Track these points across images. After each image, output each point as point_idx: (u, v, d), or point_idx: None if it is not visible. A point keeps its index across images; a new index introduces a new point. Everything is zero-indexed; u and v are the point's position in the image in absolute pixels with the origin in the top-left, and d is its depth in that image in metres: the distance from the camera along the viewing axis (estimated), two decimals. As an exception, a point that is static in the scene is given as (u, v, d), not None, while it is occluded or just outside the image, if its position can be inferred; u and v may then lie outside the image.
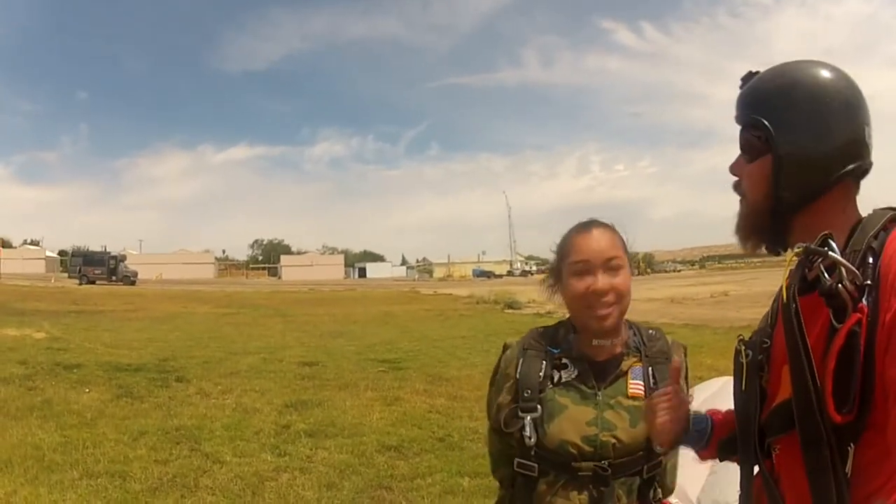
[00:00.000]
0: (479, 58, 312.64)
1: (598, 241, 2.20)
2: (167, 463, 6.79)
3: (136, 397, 9.89)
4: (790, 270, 1.51)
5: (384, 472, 6.66)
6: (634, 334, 2.32)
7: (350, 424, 8.55)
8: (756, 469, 1.67)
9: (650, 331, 2.37)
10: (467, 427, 8.12)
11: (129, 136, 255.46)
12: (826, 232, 1.47)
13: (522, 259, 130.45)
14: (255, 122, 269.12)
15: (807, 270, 1.50)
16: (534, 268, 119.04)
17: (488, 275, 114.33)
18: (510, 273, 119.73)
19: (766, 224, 1.68)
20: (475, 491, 6.00)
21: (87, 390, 10.18)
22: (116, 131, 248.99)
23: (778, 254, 1.72)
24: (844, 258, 1.42)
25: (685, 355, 2.38)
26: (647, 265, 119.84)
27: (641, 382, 2.22)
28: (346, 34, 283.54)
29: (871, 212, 1.58)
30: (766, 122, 1.63)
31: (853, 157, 1.57)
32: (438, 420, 8.75)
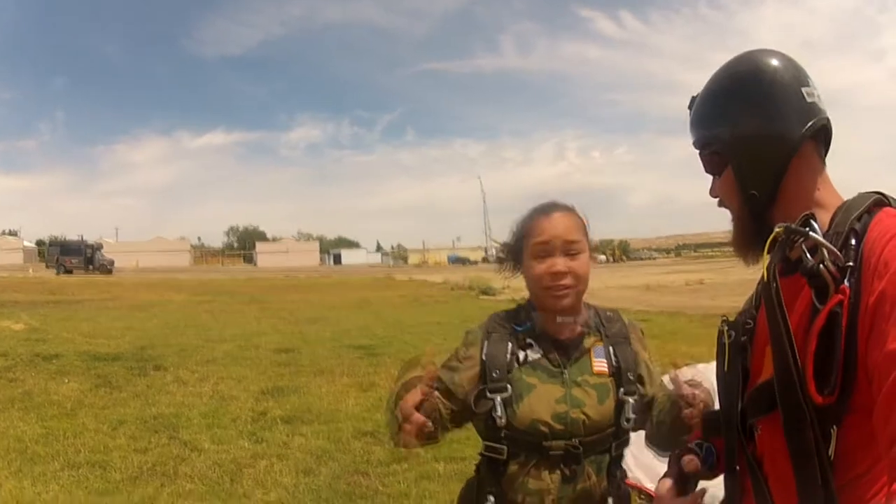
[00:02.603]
0: (456, 43, 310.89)
1: (558, 225, 2.25)
2: (146, 452, 6.81)
3: (115, 387, 9.87)
4: (771, 251, 1.52)
5: (360, 458, 6.72)
6: (594, 315, 2.36)
7: (326, 411, 8.60)
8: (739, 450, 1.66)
9: (608, 312, 2.42)
10: None
11: (106, 123, 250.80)
12: (807, 212, 1.49)
13: (497, 245, 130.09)
14: (233, 107, 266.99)
15: (788, 251, 1.50)
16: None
17: (463, 261, 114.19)
18: (485, 259, 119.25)
19: (751, 227, 1.66)
20: (451, 475, 6.03)
21: (67, 381, 10.13)
22: (94, 118, 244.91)
23: None
24: (827, 239, 1.43)
25: (643, 334, 2.45)
26: (622, 252, 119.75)
27: (605, 360, 2.27)
28: (322, 18, 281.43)
29: (855, 195, 1.56)
30: (714, 136, 1.68)
31: (800, 122, 1.57)
32: (414, 405, 8.73)
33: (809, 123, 1.57)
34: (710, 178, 1.76)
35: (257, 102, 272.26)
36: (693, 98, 1.78)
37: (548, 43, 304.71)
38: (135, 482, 6.03)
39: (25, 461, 6.44)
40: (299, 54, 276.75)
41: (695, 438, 1.95)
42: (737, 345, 1.68)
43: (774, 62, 1.62)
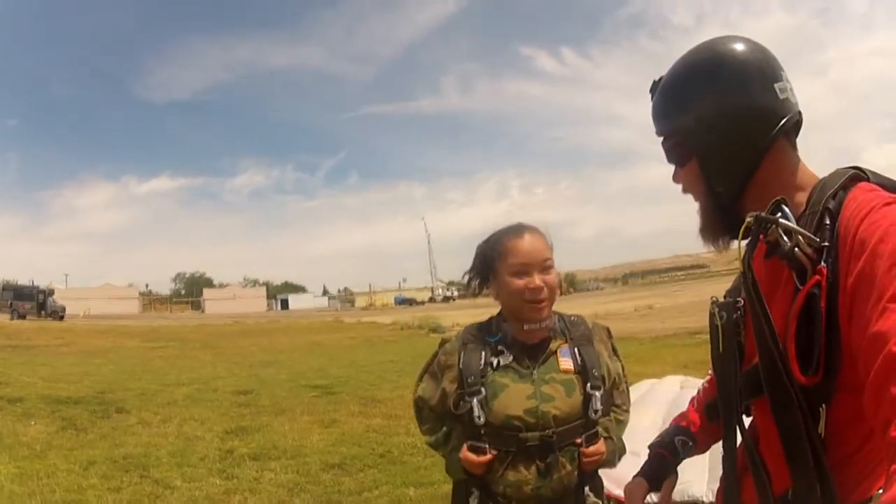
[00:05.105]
0: (400, 86, 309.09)
1: (533, 245, 2.50)
2: (120, 490, 6.76)
3: (81, 429, 9.75)
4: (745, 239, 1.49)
5: (332, 489, 6.76)
6: (559, 320, 2.61)
7: (292, 447, 8.59)
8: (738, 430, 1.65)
9: (572, 317, 2.67)
10: (405, 442, 8.24)
11: (55, 166, 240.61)
12: (778, 197, 1.44)
13: (444, 285, 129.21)
14: (178, 152, 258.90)
15: (763, 236, 1.45)
16: (455, 293, 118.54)
17: (410, 302, 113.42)
18: (432, 299, 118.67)
19: (718, 218, 1.62)
20: (422, 499, 6.16)
21: (33, 423, 9.98)
22: (43, 160, 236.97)
23: None
24: (802, 220, 1.41)
25: (610, 335, 2.71)
26: (569, 285, 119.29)
27: (570, 359, 2.50)
28: (268, 63, 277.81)
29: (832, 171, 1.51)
30: (678, 126, 1.61)
31: (775, 120, 1.51)
32: (377, 438, 8.86)
33: (781, 123, 1.52)
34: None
35: (202, 147, 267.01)
36: (655, 82, 1.71)
37: (489, 82, 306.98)
38: (112, 519, 6.00)
39: (3, 500, 6.36)
40: (244, 99, 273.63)
41: (673, 423, 2.09)
42: (729, 325, 1.66)
43: (747, 54, 1.56)
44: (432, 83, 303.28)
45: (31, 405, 11.32)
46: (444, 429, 2.64)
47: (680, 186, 1.71)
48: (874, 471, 1.38)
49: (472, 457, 2.44)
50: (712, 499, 1.89)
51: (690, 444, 2.01)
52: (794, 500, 1.42)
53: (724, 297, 1.77)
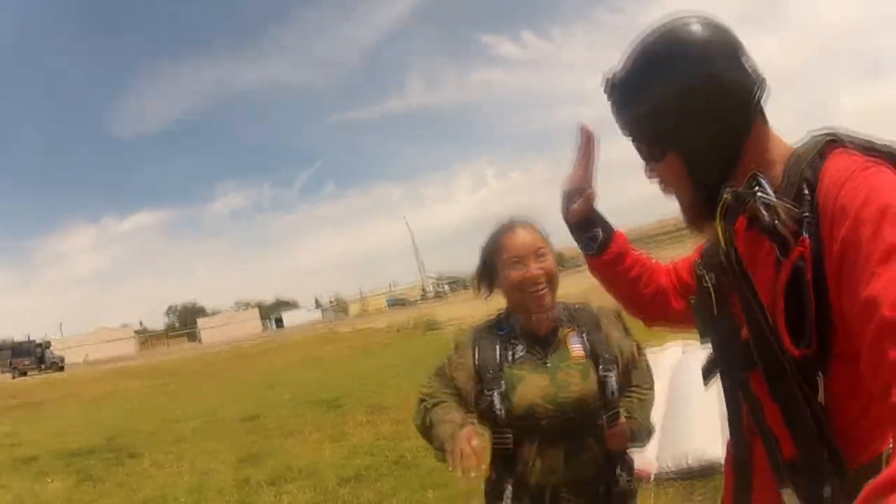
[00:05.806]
0: (366, 90, 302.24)
1: (524, 237, 2.58)
2: (143, 537, 6.79)
3: (97, 479, 9.75)
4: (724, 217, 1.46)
5: (351, 502, 6.82)
6: (564, 309, 2.68)
7: (306, 466, 8.61)
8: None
9: (576, 305, 2.74)
10: (417, 446, 8.13)
11: (35, 216, 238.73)
12: (753, 170, 1.41)
13: (434, 280, 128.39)
14: (154, 185, 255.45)
15: (742, 211, 1.42)
16: (446, 287, 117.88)
17: (402, 302, 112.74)
18: (424, 296, 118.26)
19: (707, 208, 1.52)
20: (441, 501, 6.22)
21: (50, 480, 9.98)
22: (23, 212, 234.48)
23: None
24: (781, 192, 1.37)
25: (619, 316, 2.73)
26: (558, 263, 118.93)
27: (580, 345, 2.57)
28: (235, 84, 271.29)
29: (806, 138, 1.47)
30: (650, 124, 1.54)
31: (748, 97, 1.44)
32: (388, 445, 8.89)
33: (756, 99, 1.46)
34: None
35: (178, 177, 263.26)
36: (609, 80, 1.61)
37: (454, 75, 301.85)
38: (142, 566, 6.05)
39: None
40: (214, 123, 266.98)
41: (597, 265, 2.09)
42: (722, 286, 1.60)
43: (707, 33, 1.47)
44: (397, 83, 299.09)
45: (45, 462, 11.34)
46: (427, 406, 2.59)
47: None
48: (882, 433, 1.41)
49: (465, 447, 2.16)
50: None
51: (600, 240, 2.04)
52: (801, 465, 1.42)
53: (705, 258, 1.72)
